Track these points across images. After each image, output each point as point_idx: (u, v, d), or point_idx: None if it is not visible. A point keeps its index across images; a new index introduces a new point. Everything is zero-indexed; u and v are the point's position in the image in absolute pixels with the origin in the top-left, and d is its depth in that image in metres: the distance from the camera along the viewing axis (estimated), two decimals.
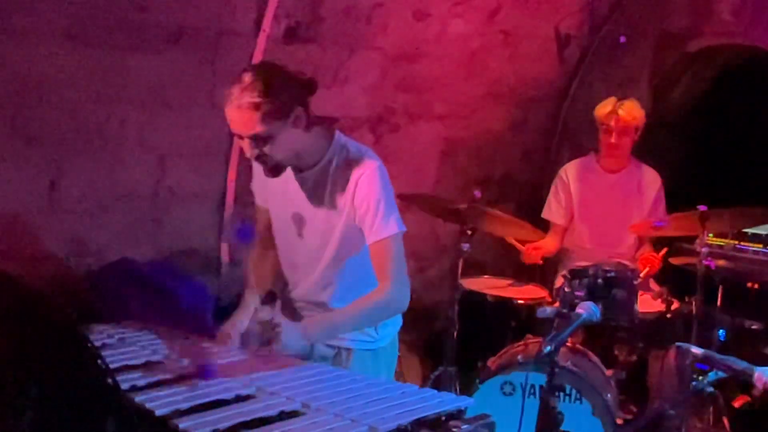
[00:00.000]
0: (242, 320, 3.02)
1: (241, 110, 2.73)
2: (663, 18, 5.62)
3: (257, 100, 2.70)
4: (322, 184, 2.93)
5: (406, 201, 4.19)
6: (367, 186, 2.87)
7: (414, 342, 4.89)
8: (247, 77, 2.73)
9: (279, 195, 3.04)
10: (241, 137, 2.81)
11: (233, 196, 4.33)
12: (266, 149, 2.79)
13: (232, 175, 4.30)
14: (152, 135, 3.99)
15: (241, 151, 4.23)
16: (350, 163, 2.91)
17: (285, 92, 2.76)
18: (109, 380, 2.11)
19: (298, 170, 2.95)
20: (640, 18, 5.68)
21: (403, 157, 5.07)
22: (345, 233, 2.94)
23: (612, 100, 4.61)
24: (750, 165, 5.73)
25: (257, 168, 3.06)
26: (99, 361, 2.12)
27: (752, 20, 5.25)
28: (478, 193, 4.26)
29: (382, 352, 3.14)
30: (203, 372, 2.58)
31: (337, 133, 2.97)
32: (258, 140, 2.78)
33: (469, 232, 4.23)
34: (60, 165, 3.75)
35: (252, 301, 3.13)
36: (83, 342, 2.12)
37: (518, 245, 4.73)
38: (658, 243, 4.80)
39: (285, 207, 3.03)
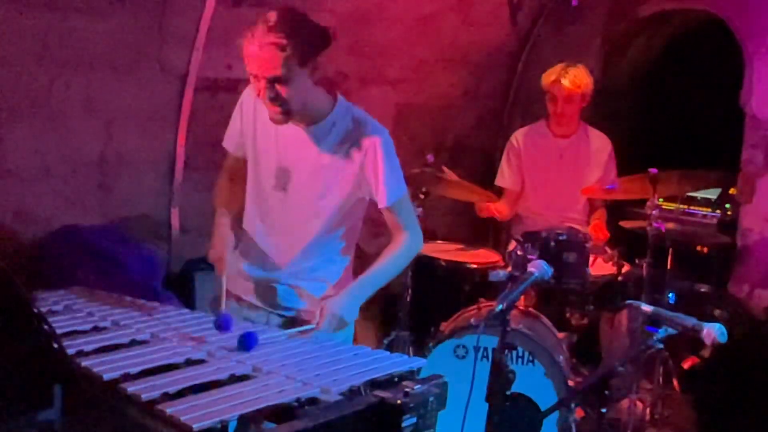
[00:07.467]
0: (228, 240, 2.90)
1: (263, 49, 2.63)
2: None
3: (283, 41, 2.62)
4: (324, 142, 2.86)
5: None
6: (380, 154, 2.86)
7: (368, 308, 4.87)
8: (273, 16, 2.65)
9: (268, 143, 2.93)
10: (257, 77, 2.71)
11: (183, 161, 4.26)
12: (283, 93, 2.70)
13: (181, 139, 4.23)
14: (98, 99, 3.92)
15: (190, 115, 4.19)
16: (359, 128, 2.88)
17: (308, 38, 2.69)
18: (55, 345, 2.07)
19: (298, 124, 2.87)
20: None
21: None
22: (344, 200, 2.91)
23: (558, 68, 4.57)
24: (699, 130, 5.80)
25: (243, 114, 2.98)
26: (45, 326, 2.08)
27: None
28: (430, 157, 4.26)
29: None
30: (221, 324, 2.61)
31: (340, 96, 2.92)
32: (276, 82, 2.69)
33: (422, 196, 4.22)
34: (2, 130, 3.67)
35: (226, 223, 2.95)
36: (28, 307, 2.08)
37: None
38: (610, 207, 4.83)
39: (270, 158, 2.93)
